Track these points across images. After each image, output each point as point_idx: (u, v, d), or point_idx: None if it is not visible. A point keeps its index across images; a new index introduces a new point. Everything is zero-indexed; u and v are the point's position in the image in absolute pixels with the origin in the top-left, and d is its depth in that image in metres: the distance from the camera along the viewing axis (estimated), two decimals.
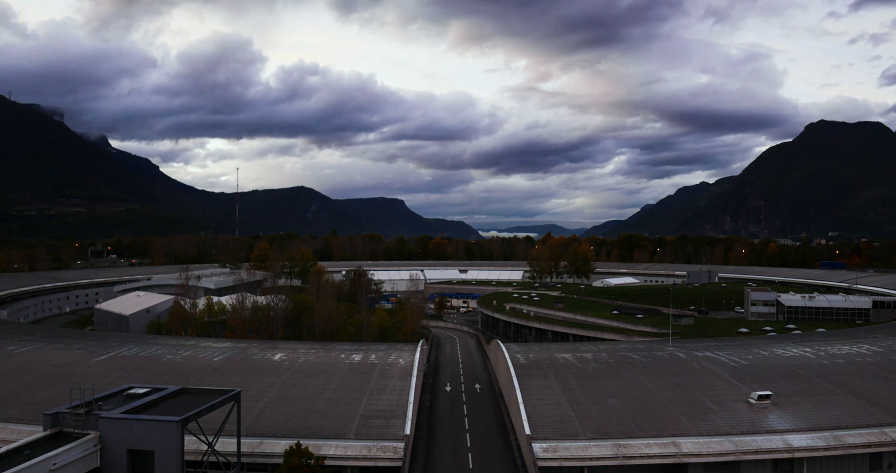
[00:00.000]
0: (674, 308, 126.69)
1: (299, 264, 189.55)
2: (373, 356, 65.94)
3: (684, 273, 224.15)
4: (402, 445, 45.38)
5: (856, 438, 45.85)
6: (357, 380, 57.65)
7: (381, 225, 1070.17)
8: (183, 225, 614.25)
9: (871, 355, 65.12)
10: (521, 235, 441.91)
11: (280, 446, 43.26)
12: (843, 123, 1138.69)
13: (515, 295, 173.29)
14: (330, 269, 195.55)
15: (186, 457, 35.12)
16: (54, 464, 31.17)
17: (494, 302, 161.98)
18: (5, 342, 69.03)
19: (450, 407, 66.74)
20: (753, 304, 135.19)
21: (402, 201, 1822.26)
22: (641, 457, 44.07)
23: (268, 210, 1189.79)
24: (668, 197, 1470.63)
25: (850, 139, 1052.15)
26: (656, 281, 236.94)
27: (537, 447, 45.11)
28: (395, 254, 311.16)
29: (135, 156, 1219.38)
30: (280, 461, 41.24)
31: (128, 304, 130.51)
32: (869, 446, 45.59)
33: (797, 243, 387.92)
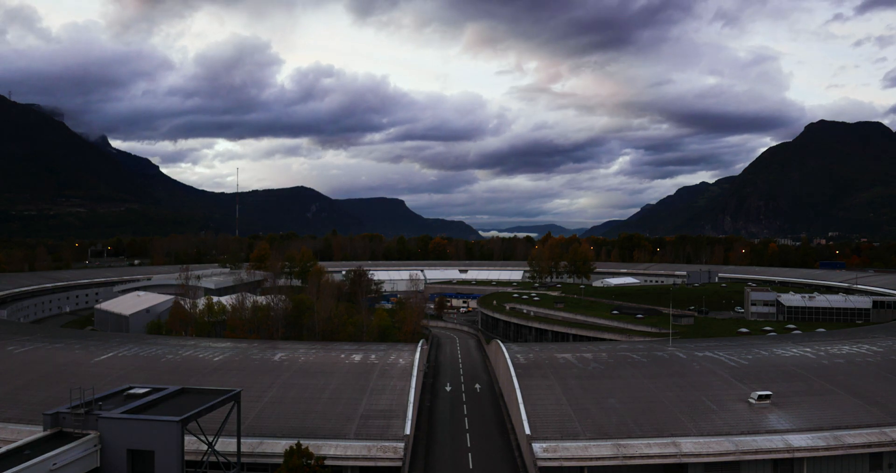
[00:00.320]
0: (674, 308, 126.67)
1: (299, 264, 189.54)
2: (373, 356, 65.93)
3: (684, 273, 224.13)
4: (402, 445, 45.38)
5: (856, 438, 45.84)
6: (357, 380, 57.64)
7: (381, 225, 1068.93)
8: (183, 225, 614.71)
9: (871, 355, 65.10)
10: (521, 235, 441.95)
11: (280, 446, 43.26)
12: (843, 123, 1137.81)
13: (515, 295, 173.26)
14: (330, 269, 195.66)
15: (186, 457, 35.16)
16: (54, 464, 31.19)
17: (494, 302, 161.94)
18: (5, 342, 69.01)
19: (450, 407, 66.74)
20: (753, 304, 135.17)
21: (402, 201, 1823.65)
22: (641, 457, 44.06)
23: (268, 210, 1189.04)
24: (669, 197, 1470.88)
25: (850, 139, 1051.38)
26: (656, 281, 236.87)
27: (537, 447, 45.10)
28: (395, 254, 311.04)
29: (135, 156, 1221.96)
30: (280, 461, 41.24)
31: (128, 304, 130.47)
32: (869, 446, 45.58)
33: (797, 243, 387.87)
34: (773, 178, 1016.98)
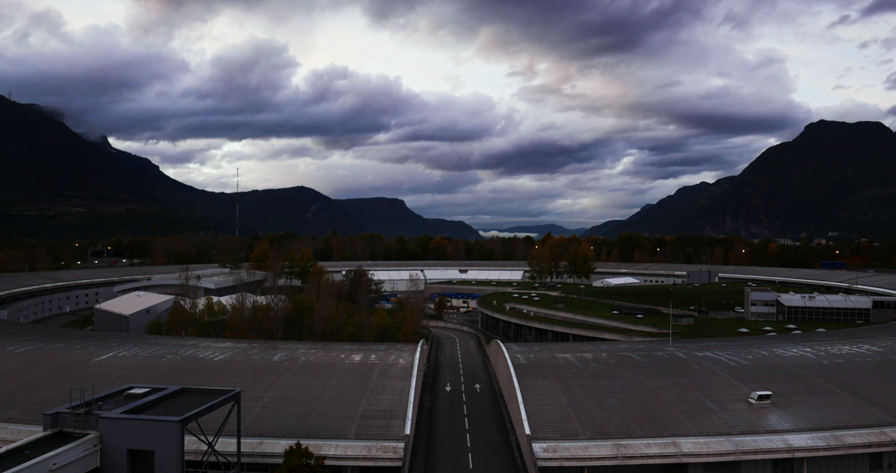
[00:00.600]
0: (674, 308, 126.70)
1: (299, 264, 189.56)
2: (373, 356, 65.92)
3: (684, 273, 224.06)
4: (402, 445, 45.37)
5: (856, 438, 45.84)
6: (357, 380, 57.65)
7: (381, 225, 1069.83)
8: (183, 225, 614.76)
9: (871, 355, 65.11)
10: (522, 235, 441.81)
11: (280, 446, 43.26)
12: (843, 123, 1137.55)
13: (515, 295, 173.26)
14: (330, 269, 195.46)
15: (186, 457, 35.15)
16: (54, 464, 31.18)
17: (494, 302, 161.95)
18: (5, 342, 69.02)
19: (450, 407, 66.74)
20: (753, 304, 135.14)
21: (402, 201, 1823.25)
22: (641, 457, 44.06)
23: (268, 210, 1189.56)
24: (669, 197, 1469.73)
25: (851, 139, 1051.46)
26: (656, 281, 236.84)
27: (537, 447, 45.10)
28: (395, 254, 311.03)
29: (135, 156, 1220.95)
30: (280, 461, 41.24)
31: (128, 304, 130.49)
32: (869, 446, 45.59)
33: (797, 243, 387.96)
34: (773, 178, 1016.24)
